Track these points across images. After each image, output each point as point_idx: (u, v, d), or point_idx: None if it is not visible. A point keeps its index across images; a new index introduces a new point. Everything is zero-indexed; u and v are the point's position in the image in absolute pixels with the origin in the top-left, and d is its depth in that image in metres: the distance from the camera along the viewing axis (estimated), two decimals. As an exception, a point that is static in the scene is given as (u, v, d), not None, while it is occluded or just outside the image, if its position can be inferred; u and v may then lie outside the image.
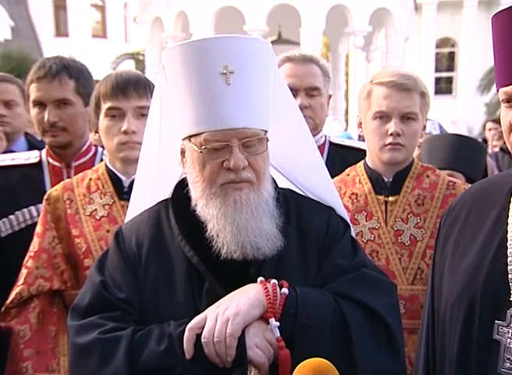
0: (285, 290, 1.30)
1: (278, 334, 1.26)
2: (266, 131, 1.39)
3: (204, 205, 1.36)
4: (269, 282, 1.31)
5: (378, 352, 1.33)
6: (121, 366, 1.26)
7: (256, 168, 1.35)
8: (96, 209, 1.95)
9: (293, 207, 1.49)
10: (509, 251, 1.43)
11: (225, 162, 1.31)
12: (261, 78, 1.38)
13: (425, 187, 2.04)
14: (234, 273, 1.34)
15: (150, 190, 1.58)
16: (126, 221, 1.59)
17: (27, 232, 2.06)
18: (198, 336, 1.25)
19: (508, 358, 1.36)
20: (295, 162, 1.57)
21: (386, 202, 2.02)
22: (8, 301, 1.88)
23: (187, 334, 1.25)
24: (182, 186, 1.45)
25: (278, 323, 1.26)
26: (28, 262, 1.91)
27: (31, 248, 1.94)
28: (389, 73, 2.00)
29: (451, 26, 22.87)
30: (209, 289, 1.35)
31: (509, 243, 1.43)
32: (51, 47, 21.54)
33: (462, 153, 2.56)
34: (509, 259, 1.42)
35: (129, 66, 20.53)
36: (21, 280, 1.89)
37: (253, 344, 1.24)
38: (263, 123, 1.38)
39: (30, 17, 24.92)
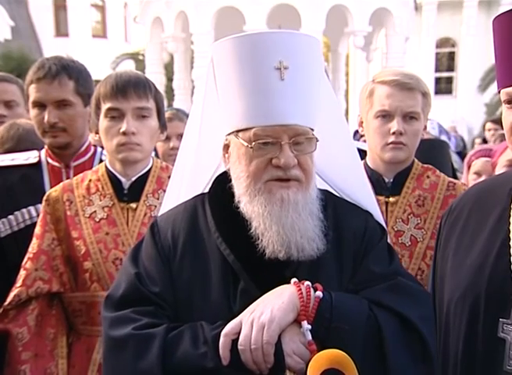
0: (319, 293, 1.26)
1: (309, 338, 1.23)
2: (313, 130, 1.36)
3: (247, 202, 1.32)
4: (303, 284, 1.28)
5: (412, 363, 1.29)
6: (154, 364, 1.25)
7: (305, 167, 1.32)
8: (95, 211, 1.93)
9: (331, 209, 1.44)
10: None
11: (274, 160, 1.28)
12: (314, 75, 1.35)
13: (426, 188, 2.04)
14: (270, 274, 1.31)
15: (186, 183, 1.54)
16: (160, 213, 1.55)
17: (26, 232, 2.05)
18: (234, 341, 1.22)
19: None
20: (334, 164, 1.53)
21: (387, 203, 2.02)
22: (6, 303, 1.86)
23: (223, 340, 1.22)
24: (221, 181, 1.41)
25: (309, 327, 1.23)
26: (27, 263, 1.89)
27: (30, 249, 1.92)
28: (392, 73, 2.01)
29: (451, 26, 22.83)
30: (244, 289, 1.32)
31: (511, 242, 1.44)
32: (51, 47, 21.54)
33: (421, 157, 2.55)
34: None
35: (129, 66, 20.51)
36: (19, 282, 1.87)
37: (290, 351, 1.22)
38: (313, 122, 1.35)
39: (30, 17, 24.91)
